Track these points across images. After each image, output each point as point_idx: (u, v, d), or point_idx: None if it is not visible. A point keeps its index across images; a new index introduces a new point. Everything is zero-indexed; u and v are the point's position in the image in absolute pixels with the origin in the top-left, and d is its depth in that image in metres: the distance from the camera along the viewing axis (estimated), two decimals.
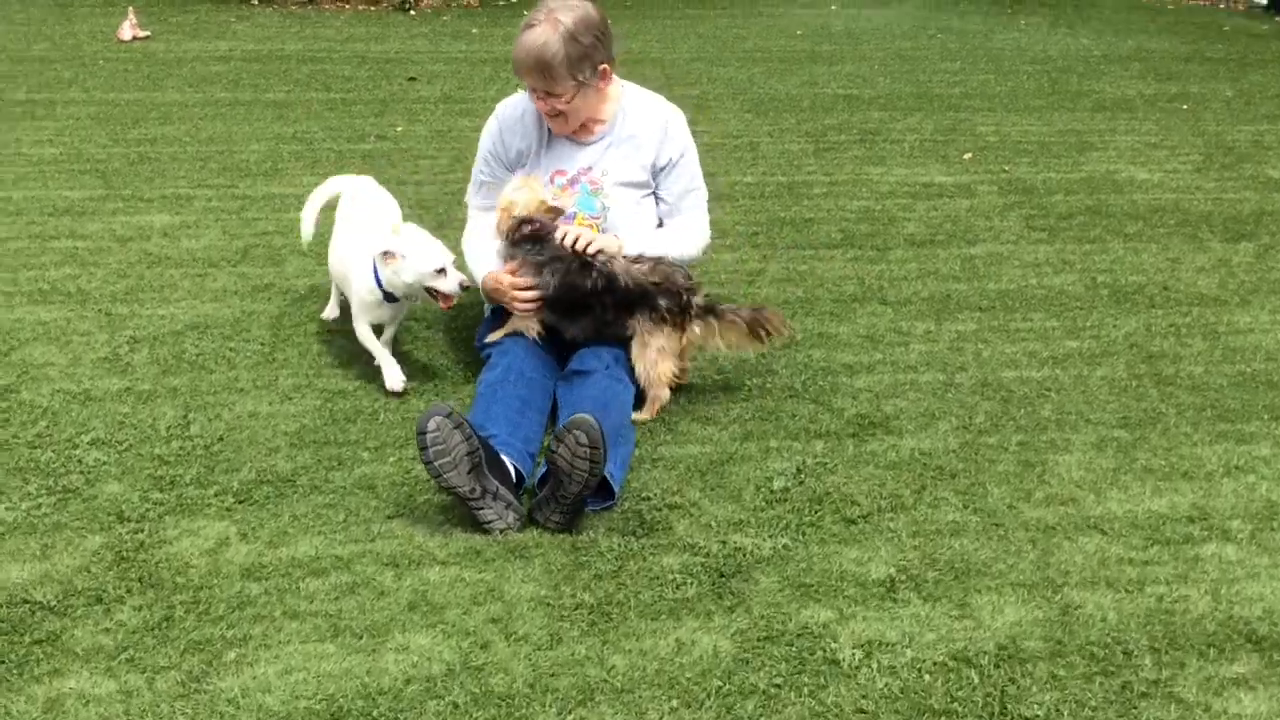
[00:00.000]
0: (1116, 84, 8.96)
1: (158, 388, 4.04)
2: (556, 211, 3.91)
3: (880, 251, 5.38)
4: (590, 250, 3.81)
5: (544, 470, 3.36)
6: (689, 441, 3.74)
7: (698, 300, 3.82)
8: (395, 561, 3.09)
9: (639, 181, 4.08)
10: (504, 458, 3.36)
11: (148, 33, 9.21)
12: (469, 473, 3.20)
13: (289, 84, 7.97)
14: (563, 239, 3.82)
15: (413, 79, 8.11)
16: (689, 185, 4.19)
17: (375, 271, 3.87)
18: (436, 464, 3.16)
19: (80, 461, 3.59)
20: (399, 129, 7.01)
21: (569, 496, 3.21)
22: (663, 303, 3.76)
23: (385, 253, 3.81)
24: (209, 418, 3.86)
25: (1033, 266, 5.25)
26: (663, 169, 4.11)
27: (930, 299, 4.88)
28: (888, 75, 8.76)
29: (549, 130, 4.03)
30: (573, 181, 4.03)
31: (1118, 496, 3.47)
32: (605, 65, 3.92)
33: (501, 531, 3.24)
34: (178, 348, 4.31)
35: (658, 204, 4.16)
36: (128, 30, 9.06)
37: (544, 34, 3.76)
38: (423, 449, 3.15)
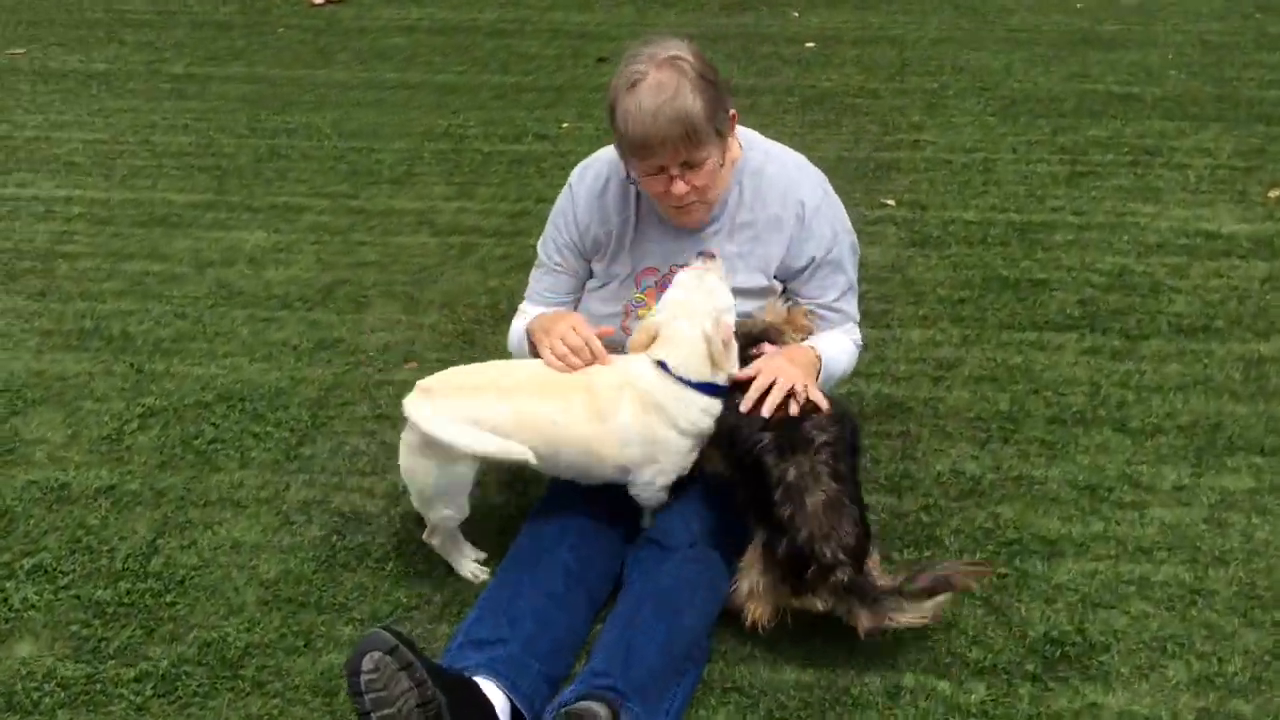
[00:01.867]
0: None
1: (145, 489, 3.24)
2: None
3: (1130, 341, 3.99)
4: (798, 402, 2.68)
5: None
6: (782, 661, 2.61)
7: (841, 575, 2.52)
8: None
9: (757, 288, 2.92)
10: (495, 692, 2.35)
11: None
12: None
13: (465, 63, 7.11)
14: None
15: (603, 60, 7.10)
16: (845, 287, 3.03)
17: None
18: (374, 716, 2.18)
19: (6, 602, 2.83)
20: (564, 125, 6.02)
21: None
22: (780, 549, 2.54)
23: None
24: (182, 544, 3.02)
25: None
26: (803, 269, 2.94)
27: (1191, 427, 3.49)
28: (1182, 68, 7.06)
29: (637, 213, 2.92)
30: (663, 284, 2.90)
31: None
32: (732, 110, 2.78)
33: None
34: (193, 428, 3.51)
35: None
36: None
37: (671, 82, 2.60)
38: (355, 694, 2.18)
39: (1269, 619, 2.75)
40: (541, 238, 3.08)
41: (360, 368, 3.84)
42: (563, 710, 2.25)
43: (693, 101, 2.60)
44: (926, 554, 2.97)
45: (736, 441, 2.66)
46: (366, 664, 2.16)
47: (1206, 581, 2.88)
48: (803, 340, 2.90)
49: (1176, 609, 2.79)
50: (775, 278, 2.94)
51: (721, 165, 2.77)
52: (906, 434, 3.48)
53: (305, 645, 2.69)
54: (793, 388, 2.63)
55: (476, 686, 2.32)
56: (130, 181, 5.35)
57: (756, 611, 2.58)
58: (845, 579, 2.50)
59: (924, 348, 3.96)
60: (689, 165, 2.69)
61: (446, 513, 2.76)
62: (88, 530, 3.08)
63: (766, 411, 2.61)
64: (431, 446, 2.64)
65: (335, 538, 3.04)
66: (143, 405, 3.62)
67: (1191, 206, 5.06)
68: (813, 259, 2.92)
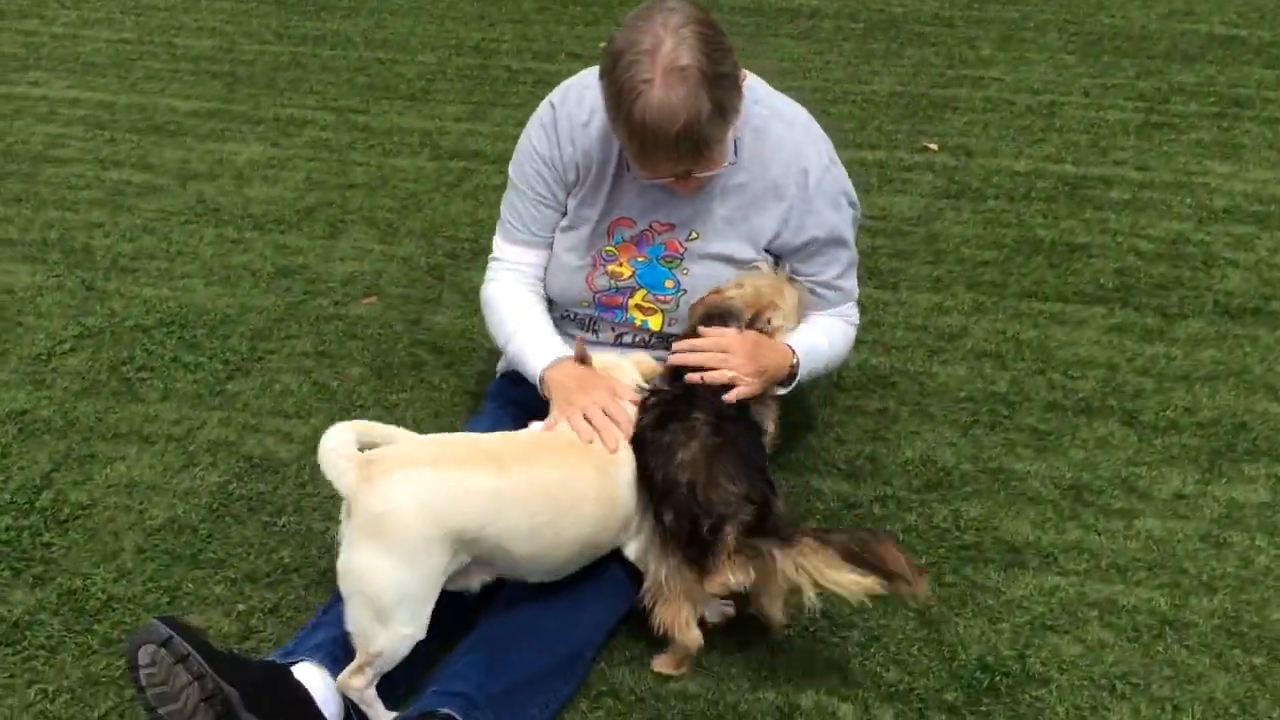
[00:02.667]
0: None
1: (58, 417, 3.07)
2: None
3: (1166, 320, 3.55)
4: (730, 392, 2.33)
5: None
6: (676, 675, 2.33)
7: (744, 515, 2.17)
8: None
9: (743, 259, 2.55)
10: (318, 677, 2.12)
11: None
12: None
13: None
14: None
15: None
16: (846, 263, 2.65)
17: None
18: (161, 711, 1.97)
19: None
20: (602, 45, 5.65)
21: None
22: (668, 518, 2.20)
23: None
24: (77, 480, 2.85)
25: None
26: (802, 247, 2.57)
27: (1211, 425, 3.07)
28: None
29: (619, 159, 2.51)
30: (639, 240, 2.57)
31: None
32: (743, 76, 2.37)
33: None
34: (126, 353, 3.33)
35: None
36: None
37: (679, 98, 2.16)
38: (138, 689, 1.98)
39: (1247, 663, 2.37)
40: (515, 160, 2.64)
41: (316, 299, 3.61)
42: None
43: (705, 117, 2.19)
44: None
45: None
46: (142, 658, 1.94)
47: (1184, 611, 2.50)
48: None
49: (1141, 641, 2.42)
50: (768, 251, 2.58)
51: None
52: (884, 412, 3.13)
53: (169, 603, 2.50)
54: (728, 381, 2.31)
55: (287, 674, 2.09)
56: (141, 86, 5.18)
57: (667, 618, 2.26)
58: (748, 518, 2.16)
59: (929, 314, 3.57)
60: (696, 168, 2.35)
61: (404, 631, 2.06)
62: None
63: (691, 379, 2.30)
64: (398, 533, 2.02)
65: (234, 484, 2.84)
66: (81, 326, 3.45)
67: (1275, 168, 4.52)
68: (814, 238, 2.55)
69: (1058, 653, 2.39)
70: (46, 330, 3.43)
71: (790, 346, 2.49)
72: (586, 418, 2.28)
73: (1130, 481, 2.88)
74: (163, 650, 1.95)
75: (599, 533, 2.24)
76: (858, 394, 3.20)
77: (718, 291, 2.49)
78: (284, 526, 2.71)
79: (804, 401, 3.13)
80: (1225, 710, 2.27)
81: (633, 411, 2.33)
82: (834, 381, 3.23)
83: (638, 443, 2.27)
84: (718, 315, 2.43)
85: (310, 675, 2.13)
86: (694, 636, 2.24)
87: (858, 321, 2.76)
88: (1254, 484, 2.87)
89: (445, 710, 2.04)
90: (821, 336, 2.61)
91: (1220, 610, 2.50)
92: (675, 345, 2.43)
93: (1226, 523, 2.75)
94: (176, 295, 3.62)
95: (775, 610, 2.23)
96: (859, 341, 3.38)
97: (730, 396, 2.30)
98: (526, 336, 2.53)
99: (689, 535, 2.17)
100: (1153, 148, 4.70)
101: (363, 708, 2.12)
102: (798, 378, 2.48)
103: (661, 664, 2.31)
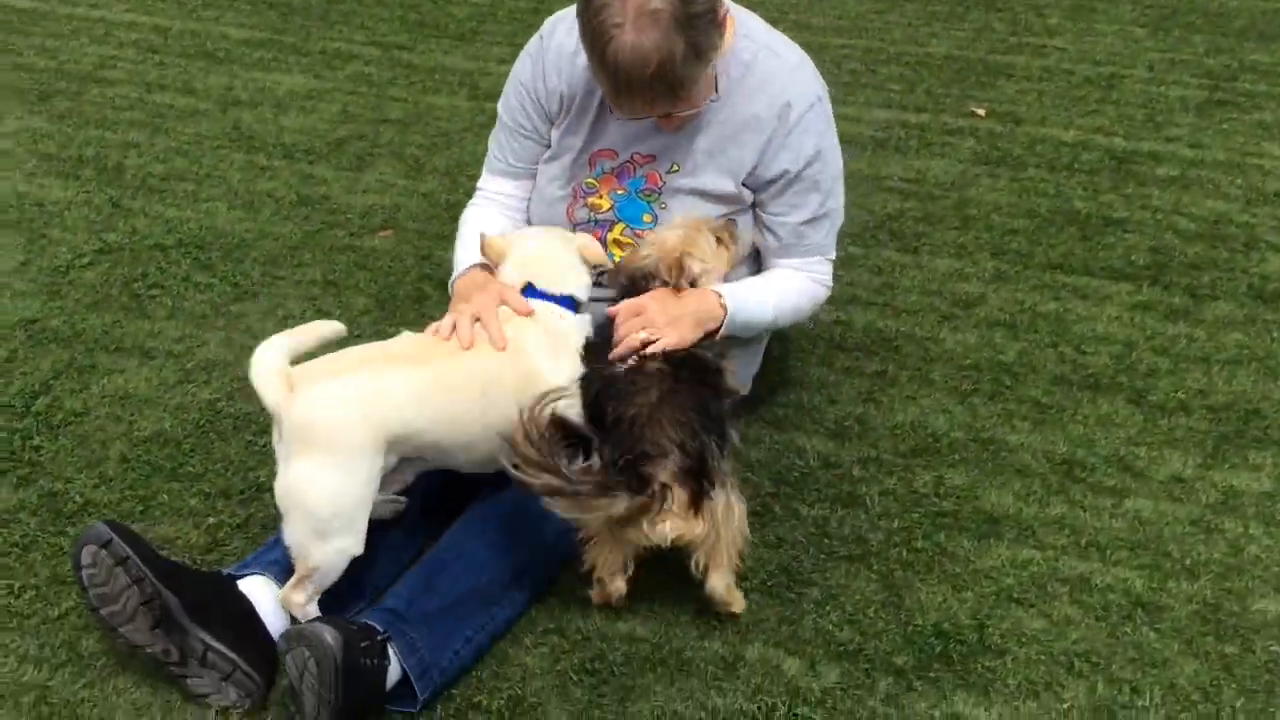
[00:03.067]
0: None
1: (66, 328, 3.14)
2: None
3: (1195, 300, 3.42)
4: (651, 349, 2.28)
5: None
6: (623, 611, 2.32)
7: (673, 464, 2.11)
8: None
9: (722, 193, 2.51)
10: (264, 589, 2.15)
11: None
12: (155, 628, 2.03)
13: None
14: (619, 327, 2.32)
15: None
16: (817, 210, 2.56)
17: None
18: (102, 612, 2.01)
19: None
20: None
21: (311, 714, 1.97)
22: (606, 451, 2.12)
23: None
24: (75, 388, 2.91)
25: None
26: (772, 181, 2.50)
27: (1222, 410, 2.97)
28: None
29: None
30: (620, 173, 2.54)
31: None
32: (724, 12, 2.33)
33: (222, 711, 2.06)
34: (140, 270, 3.39)
35: (761, 231, 2.60)
36: None
37: (650, 35, 2.11)
38: (81, 588, 2.02)
39: (1218, 651, 2.29)
40: (503, 94, 2.65)
41: (332, 229, 3.64)
42: (290, 634, 2.02)
43: (679, 59, 2.14)
44: (838, 512, 2.59)
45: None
46: (85, 558, 1.98)
47: (1161, 595, 2.42)
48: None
49: (1109, 621, 2.35)
50: (745, 184, 2.54)
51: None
52: (882, 374, 3.07)
53: (142, 512, 2.54)
54: (645, 341, 2.27)
55: (232, 585, 2.12)
56: (198, 13, 5.26)
57: (597, 559, 2.25)
58: (685, 464, 2.11)
59: (946, 280, 3.49)
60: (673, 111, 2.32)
61: (341, 544, 2.06)
62: None
63: (612, 357, 2.27)
64: (328, 441, 2.04)
65: (224, 403, 2.88)
66: (102, 242, 3.52)
67: None
68: (785, 172, 2.48)
69: (1019, 626, 2.33)
70: (69, 244, 3.51)
71: (717, 291, 2.42)
72: (455, 325, 2.26)
73: (1127, 461, 2.79)
74: (104, 552, 1.98)
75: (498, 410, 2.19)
76: (858, 355, 3.14)
77: (632, 254, 2.45)
78: (264, 446, 2.73)
79: (799, 359, 3.08)
80: (1187, 697, 2.20)
81: (518, 312, 2.30)
82: (835, 341, 3.17)
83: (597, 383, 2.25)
84: (640, 277, 2.39)
85: (258, 588, 2.16)
86: (617, 586, 2.24)
87: (828, 283, 2.66)
88: (1258, 472, 2.76)
89: (367, 621, 2.05)
90: (767, 285, 2.55)
91: (1199, 596, 2.42)
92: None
93: (1221, 509, 2.65)
94: (198, 217, 3.67)
95: (717, 577, 2.21)
96: (869, 303, 3.35)
97: (650, 350, 2.26)
98: (461, 252, 2.56)
99: (621, 470, 2.13)
100: (1210, 125, 4.53)
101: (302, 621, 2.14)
102: (727, 319, 2.40)
103: (594, 595, 2.31)
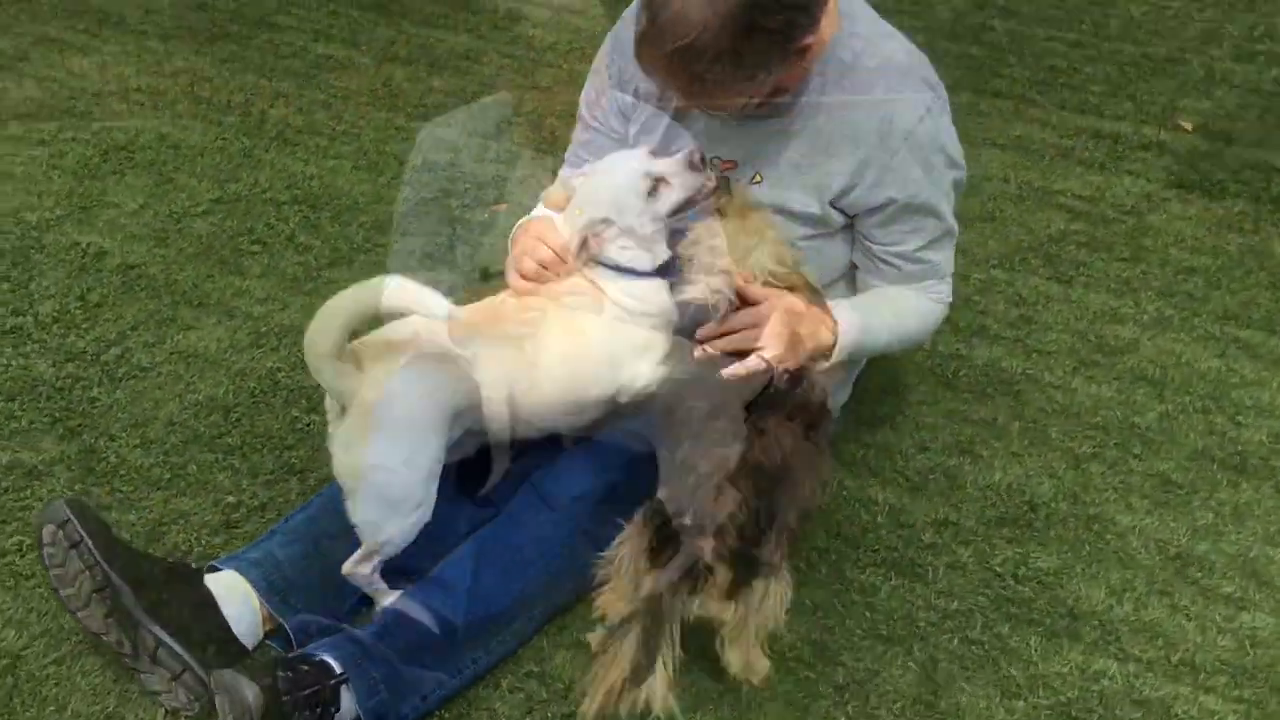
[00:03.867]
0: None
1: (160, 276, 3.14)
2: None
3: None
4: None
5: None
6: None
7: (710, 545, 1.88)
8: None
9: (805, 214, 2.21)
10: (236, 584, 2.06)
11: None
12: (108, 617, 1.95)
13: None
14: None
15: None
16: (936, 231, 2.23)
17: None
18: (62, 594, 1.96)
19: None
20: None
21: None
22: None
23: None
24: (148, 342, 2.91)
25: None
26: (877, 209, 2.19)
27: None
28: None
29: None
30: None
31: None
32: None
33: (172, 712, 1.99)
34: (250, 223, 3.37)
35: (866, 258, 2.29)
36: None
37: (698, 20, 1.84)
38: (44, 566, 1.96)
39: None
40: (585, 87, 2.49)
41: (450, 198, 3.52)
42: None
43: (736, 29, 1.85)
44: (892, 581, 2.29)
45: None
46: (45, 536, 1.92)
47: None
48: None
49: None
50: (834, 206, 2.23)
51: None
52: (990, 424, 2.72)
53: (169, 479, 2.49)
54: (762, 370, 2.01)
55: (195, 576, 2.02)
56: None
57: (608, 605, 2.04)
58: (728, 549, 1.87)
59: (1096, 319, 3.08)
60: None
61: (416, 517, 2.00)
62: (79, 300, 3.02)
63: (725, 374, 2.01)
64: (398, 419, 1.96)
65: (284, 373, 2.80)
66: (222, 191, 3.52)
67: None
68: (891, 200, 2.17)
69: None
70: (190, 190, 3.52)
71: (834, 317, 2.14)
72: (520, 272, 2.17)
73: (1256, 565, 2.36)
74: (60, 533, 1.92)
75: (580, 376, 2.11)
76: (968, 397, 2.79)
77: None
78: (308, 425, 2.65)
79: (897, 393, 2.77)
80: None
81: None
82: (945, 377, 2.83)
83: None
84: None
85: (227, 584, 2.06)
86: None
87: (948, 299, 2.35)
88: None
89: (324, 659, 1.91)
90: (882, 306, 2.25)
91: None
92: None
93: None
94: (321, 174, 3.63)
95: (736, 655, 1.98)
96: (996, 336, 3.00)
97: (728, 373, 1.99)
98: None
99: (657, 531, 1.92)
100: None
101: (368, 592, 2.10)
102: (836, 349, 2.13)
103: (594, 640, 2.10)
